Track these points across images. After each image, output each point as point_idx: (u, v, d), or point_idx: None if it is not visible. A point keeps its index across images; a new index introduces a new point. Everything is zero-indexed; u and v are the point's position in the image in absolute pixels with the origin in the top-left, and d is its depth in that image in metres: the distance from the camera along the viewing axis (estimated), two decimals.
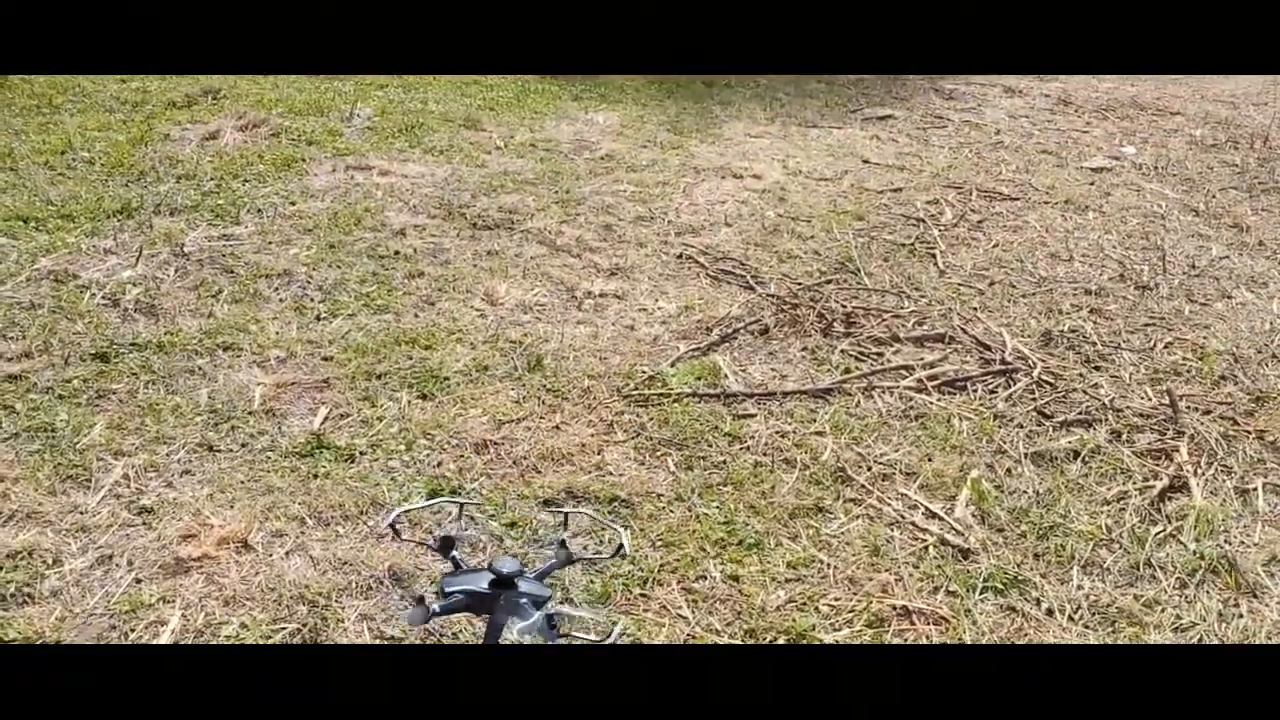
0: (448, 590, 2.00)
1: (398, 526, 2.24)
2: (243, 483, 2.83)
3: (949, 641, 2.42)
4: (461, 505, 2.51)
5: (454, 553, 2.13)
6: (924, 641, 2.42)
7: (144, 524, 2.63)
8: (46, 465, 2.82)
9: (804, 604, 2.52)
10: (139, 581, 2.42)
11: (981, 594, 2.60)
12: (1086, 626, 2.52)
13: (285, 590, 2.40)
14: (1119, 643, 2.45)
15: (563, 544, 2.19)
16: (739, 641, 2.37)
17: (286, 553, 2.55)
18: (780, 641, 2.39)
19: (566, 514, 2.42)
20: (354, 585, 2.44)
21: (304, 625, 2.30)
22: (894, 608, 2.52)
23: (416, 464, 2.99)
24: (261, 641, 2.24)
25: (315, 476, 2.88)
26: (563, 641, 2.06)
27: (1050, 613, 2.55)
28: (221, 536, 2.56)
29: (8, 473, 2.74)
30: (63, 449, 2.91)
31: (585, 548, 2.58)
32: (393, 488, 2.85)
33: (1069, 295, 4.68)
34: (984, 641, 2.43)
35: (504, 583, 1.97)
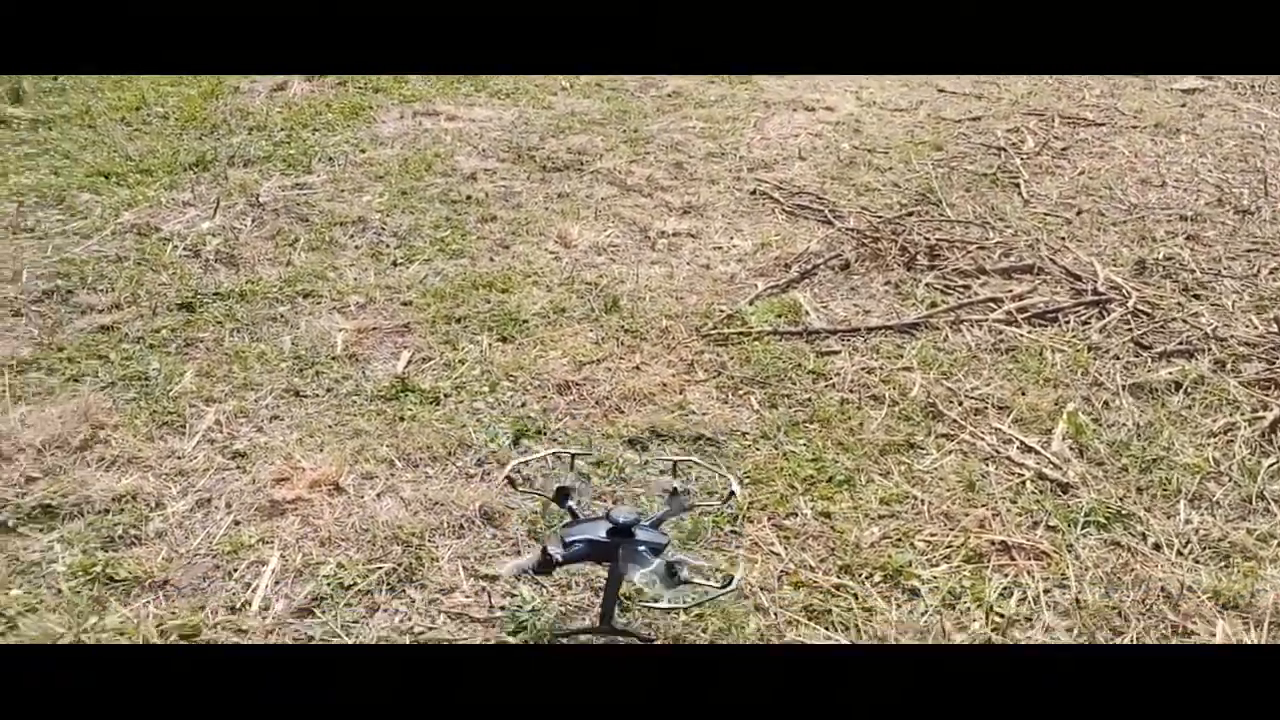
0: (568, 540, 2.02)
1: (513, 478, 2.28)
2: (331, 427, 2.85)
3: (1050, 578, 2.36)
4: (574, 456, 2.52)
5: (570, 503, 2.14)
6: (1026, 577, 2.35)
7: (238, 468, 2.67)
8: (143, 412, 2.88)
9: (899, 540, 2.47)
10: (238, 523, 2.46)
11: (1083, 529, 2.52)
12: (1197, 561, 2.43)
13: (379, 531, 2.42)
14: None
15: (675, 492, 2.19)
16: (835, 577, 2.33)
17: (378, 494, 2.57)
18: (877, 578, 2.34)
19: (676, 462, 2.39)
20: (446, 525, 2.45)
21: (399, 565, 2.31)
22: (992, 543, 2.46)
23: (501, 405, 2.98)
24: (360, 581, 2.26)
25: (402, 419, 2.89)
26: (684, 589, 2.08)
27: (1157, 547, 2.47)
28: (313, 479, 2.58)
29: (107, 420, 2.79)
30: (156, 396, 2.96)
31: (693, 493, 2.56)
32: (479, 429, 2.85)
33: (1163, 222, 4.49)
34: (1088, 577, 2.36)
35: (622, 531, 2.01)
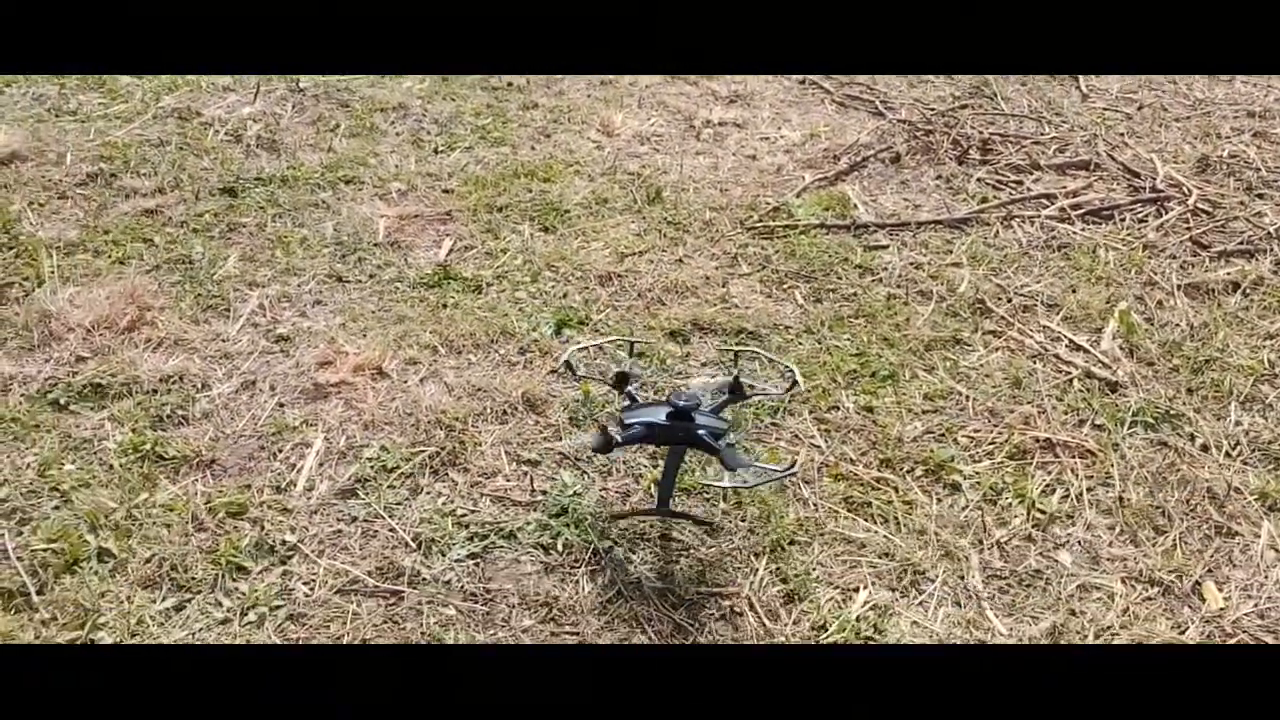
0: (627, 421, 2.03)
1: (572, 363, 2.28)
2: (374, 312, 2.86)
3: (1095, 476, 2.33)
4: (633, 345, 2.50)
5: (629, 387, 2.14)
6: (1070, 474, 2.33)
7: (282, 351, 2.69)
8: (188, 295, 2.89)
9: (942, 435, 2.45)
10: (282, 406, 2.49)
11: (1130, 428, 2.48)
12: (1245, 463, 2.39)
13: (422, 415, 2.43)
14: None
15: (736, 380, 2.17)
16: (876, 470, 2.32)
17: (421, 379, 2.58)
18: (918, 473, 2.33)
19: (738, 352, 2.38)
20: (489, 411, 2.46)
21: (442, 448, 2.33)
22: (1037, 440, 2.43)
23: (543, 295, 2.97)
24: (403, 464, 2.28)
25: (444, 306, 2.88)
26: (739, 479, 2.10)
27: (1205, 448, 2.43)
28: (357, 364, 2.60)
29: (153, 302, 2.82)
30: (201, 280, 2.97)
31: (751, 385, 2.50)
32: (521, 318, 2.84)
33: (1229, 118, 4.30)
34: (1133, 476, 2.33)
35: (682, 415, 2.00)
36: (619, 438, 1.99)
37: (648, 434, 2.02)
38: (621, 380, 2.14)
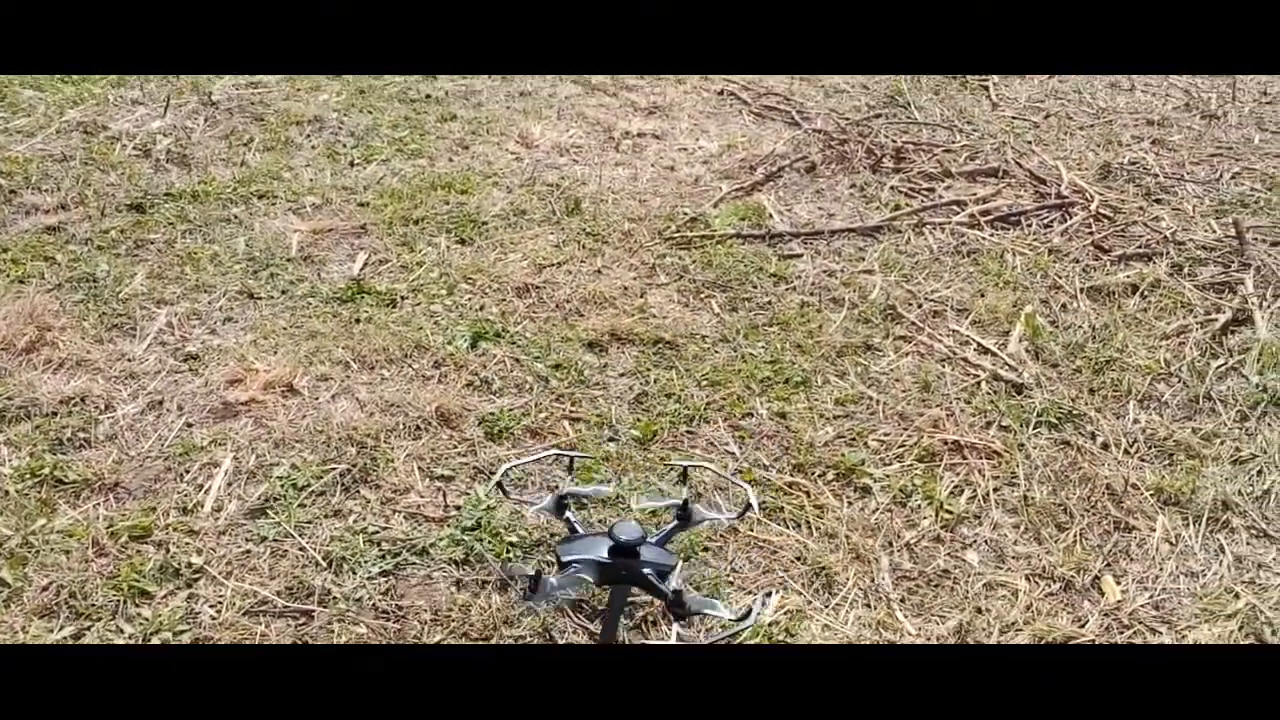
0: (564, 559, 1.83)
1: (504, 485, 2.10)
2: (285, 329, 2.82)
3: (1001, 476, 2.39)
4: (573, 460, 2.22)
5: (568, 514, 1.98)
6: (977, 475, 2.39)
7: (190, 370, 2.63)
8: (91, 314, 2.82)
9: (853, 439, 2.49)
10: (190, 425, 2.44)
11: (1035, 428, 2.55)
12: (1142, 460, 2.47)
13: (334, 432, 2.40)
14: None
15: (685, 505, 2.02)
16: (788, 475, 2.35)
17: (333, 396, 2.55)
18: (829, 477, 2.37)
19: (686, 468, 2.17)
20: (402, 426, 2.44)
21: (354, 465, 2.31)
22: (945, 442, 2.48)
23: (459, 308, 2.95)
24: (314, 482, 2.25)
25: (357, 321, 2.85)
26: (690, 626, 1.89)
27: (1105, 446, 2.50)
28: (267, 381, 2.56)
29: (54, 322, 2.74)
30: (106, 298, 2.90)
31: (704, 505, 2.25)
32: (436, 331, 2.82)
33: (1130, 126, 4.46)
34: (1037, 475, 2.39)
35: (625, 550, 1.81)
36: (554, 581, 1.81)
37: (586, 579, 1.82)
38: (559, 506, 1.99)
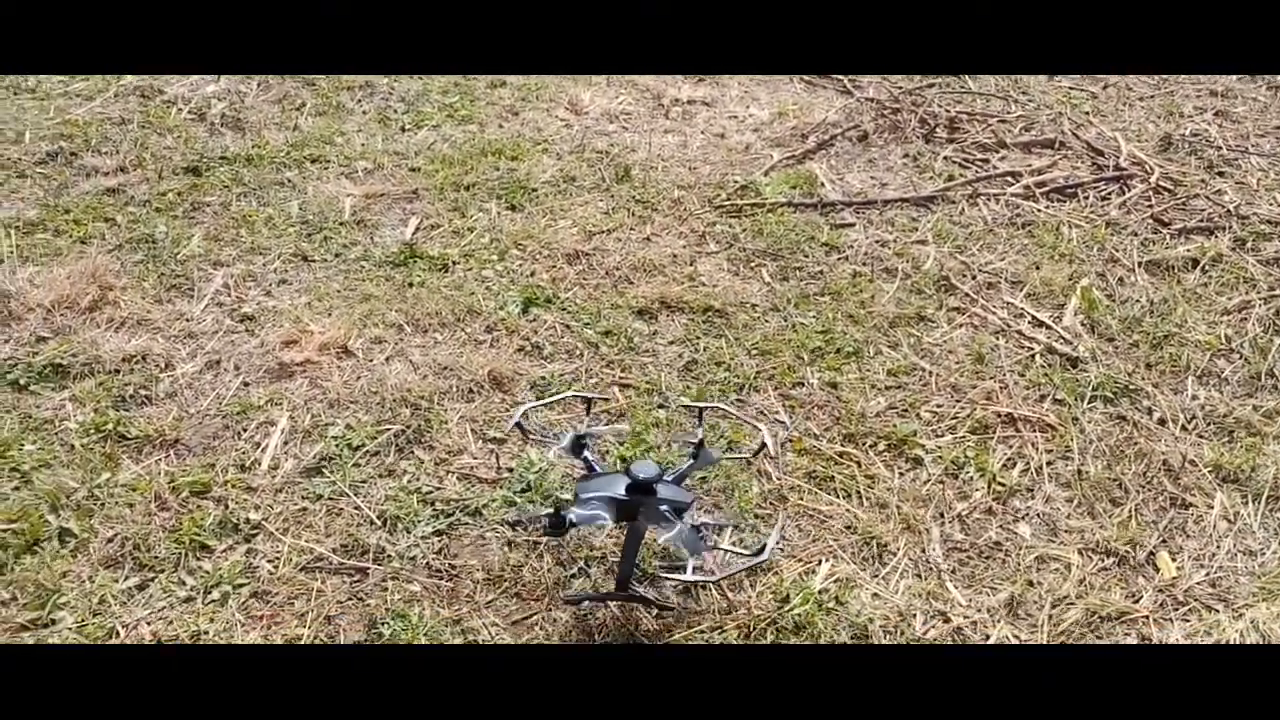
0: (583, 496, 1.86)
1: (524, 425, 2.10)
2: (339, 291, 2.84)
3: (1054, 450, 2.36)
4: (589, 401, 2.26)
5: (586, 454, 2.01)
6: (1030, 449, 2.36)
7: (247, 331, 2.67)
8: (151, 275, 2.87)
9: (904, 410, 2.47)
10: (246, 385, 2.48)
11: (1090, 402, 2.51)
12: (1200, 436, 2.43)
13: (388, 394, 2.43)
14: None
15: (701, 443, 2.05)
16: (839, 445, 2.35)
17: (386, 358, 2.58)
18: (881, 447, 2.36)
19: (702, 410, 2.19)
20: (455, 389, 2.46)
21: (408, 426, 2.33)
22: (999, 415, 2.46)
23: (510, 274, 2.96)
24: (368, 442, 2.28)
25: (410, 285, 2.88)
26: (705, 563, 1.92)
27: (1162, 422, 2.46)
28: (322, 342, 2.59)
29: (115, 282, 2.79)
30: (164, 259, 2.95)
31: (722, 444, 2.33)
32: (488, 296, 2.83)
33: (1192, 97, 4.35)
34: (1092, 449, 2.36)
35: (642, 488, 1.84)
36: (574, 517, 1.83)
37: (604, 514, 1.85)
38: (577, 446, 2.01)
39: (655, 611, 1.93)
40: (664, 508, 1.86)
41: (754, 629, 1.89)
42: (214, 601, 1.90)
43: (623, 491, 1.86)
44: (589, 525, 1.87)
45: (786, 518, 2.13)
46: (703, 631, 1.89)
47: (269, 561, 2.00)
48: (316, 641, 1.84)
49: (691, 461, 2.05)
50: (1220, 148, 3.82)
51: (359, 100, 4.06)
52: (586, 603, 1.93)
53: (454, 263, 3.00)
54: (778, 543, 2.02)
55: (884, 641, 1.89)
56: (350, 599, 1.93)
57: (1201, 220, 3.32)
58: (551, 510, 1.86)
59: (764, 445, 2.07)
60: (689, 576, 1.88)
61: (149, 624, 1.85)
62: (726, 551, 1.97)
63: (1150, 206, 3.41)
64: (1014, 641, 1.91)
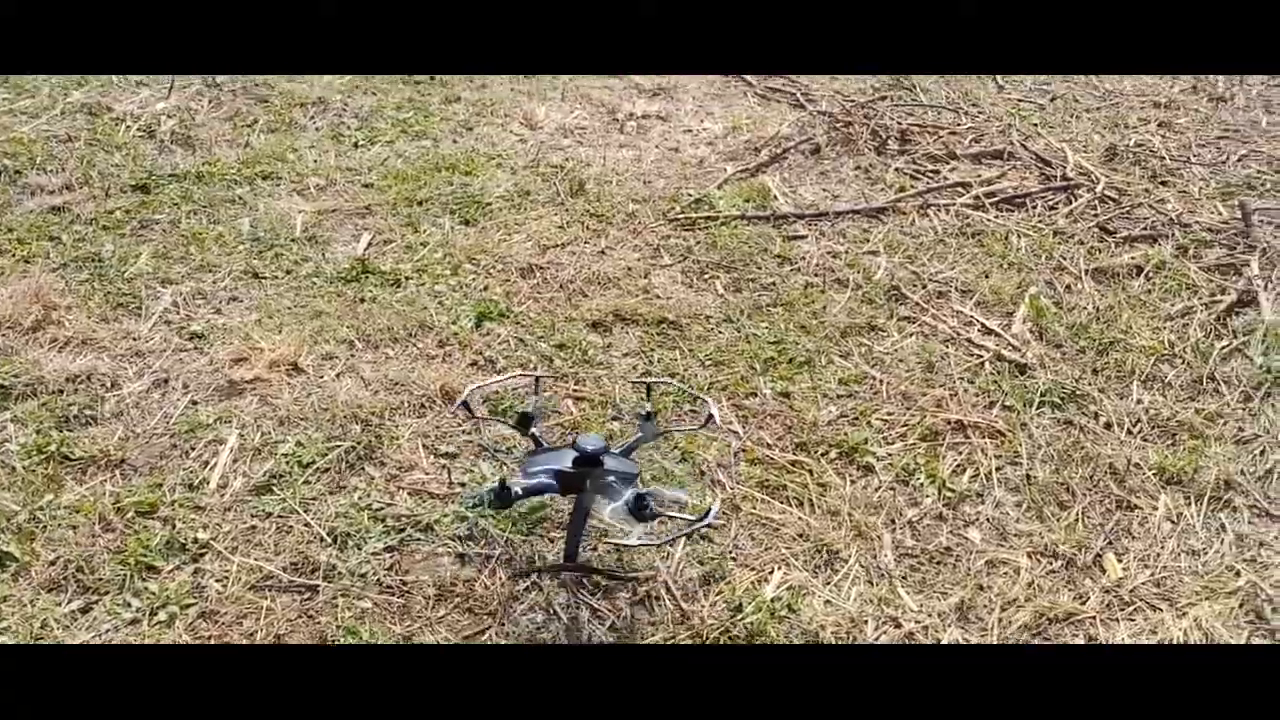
0: (530, 470, 1.89)
1: (470, 404, 2.11)
2: (290, 308, 2.82)
3: (1003, 455, 2.40)
4: (537, 379, 2.30)
5: (533, 430, 2.03)
6: (980, 454, 2.39)
7: (196, 349, 2.64)
8: (96, 294, 2.83)
9: (856, 419, 2.50)
10: (195, 403, 2.45)
11: (1038, 408, 2.55)
12: (1145, 439, 2.47)
13: (338, 410, 2.41)
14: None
15: (648, 416, 2.07)
16: (791, 454, 2.36)
17: (337, 374, 2.56)
18: (832, 455, 2.37)
19: (650, 385, 2.24)
20: (406, 404, 2.45)
21: (359, 443, 2.32)
22: (948, 422, 2.49)
23: (463, 288, 2.96)
24: (319, 459, 2.26)
25: (362, 301, 2.86)
26: (654, 523, 1.94)
27: (1109, 426, 2.51)
28: (272, 360, 2.57)
29: (60, 301, 2.75)
30: (111, 278, 2.91)
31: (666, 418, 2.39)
32: (440, 311, 2.82)
33: (1136, 109, 4.44)
34: (1040, 454, 2.40)
35: (589, 460, 1.87)
36: (518, 489, 1.85)
37: (553, 483, 1.89)
38: (524, 422, 2.02)
39: (599, 594, 1.95)
40: (610, 479, 1.88)
41: (707, 637, 1.89)
42: (160, 623, 1.87)
43: (569, 464, 1.88)
44: (535, 496, 1.90)
45: (722, 492, 2.15)
46: (656, 642, 1.89)
47: (217, 580, 1.97)
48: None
49: (639, 434, 2.06)
50: (1163, 158, 3.91)
51: (312, 117, 4.04)
52: (538, 574, 1.96)
53: (406, 278, 2.99)
54: (717, 515, 2.07)
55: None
56: (300, 617, 1.90)
57: (1145, 228, 3.39)
58: (497, 484, 1.86)
59: (710, 417, 2.10)
60: (633, 542, 1.93)
61: None
62: (671, 518, 1.99)
63: (1096, 215, 3.47)
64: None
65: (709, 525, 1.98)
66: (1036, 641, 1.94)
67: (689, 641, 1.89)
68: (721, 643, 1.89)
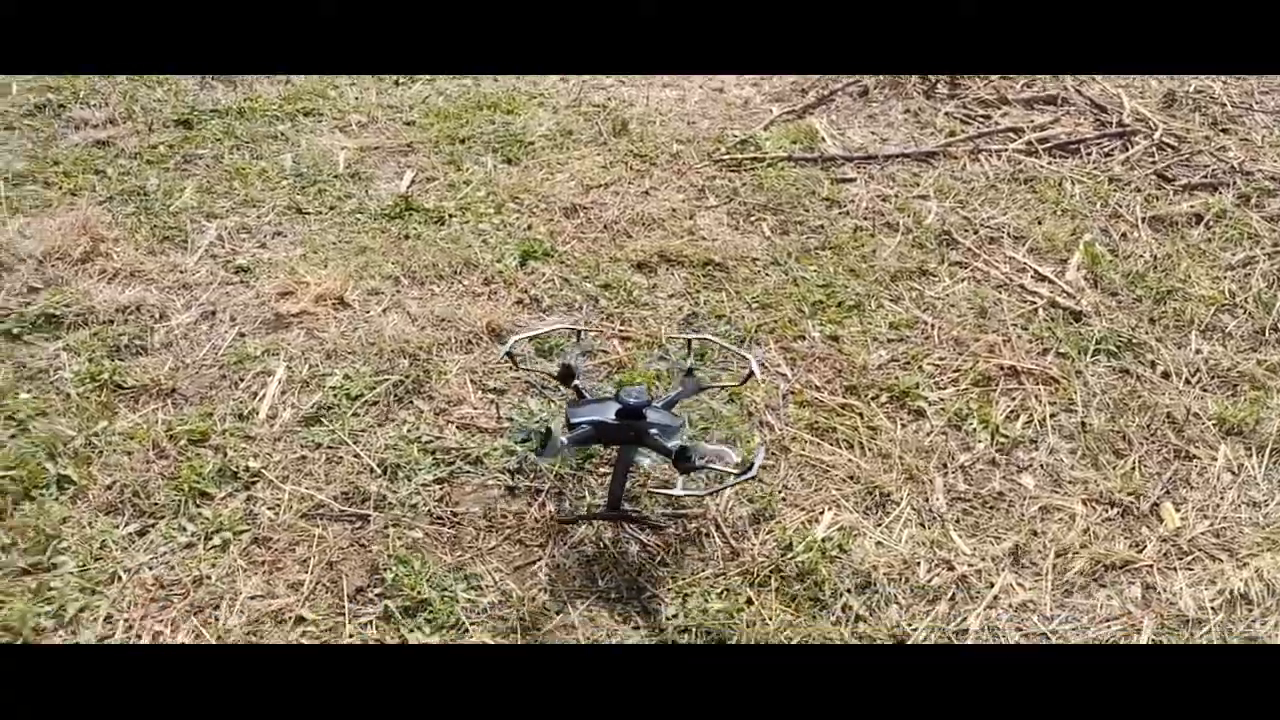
0: (574, 421, 1.89)
1: (515, 354, 2.13)
2: (334, 243, 2.81)
3: (1058, 402, 2.35)
4: (579, 332, 2.29)
5: (576, 382, 2.03)
6: (1033, 401, 2.35)
7: (242, 282, 2.64)
8: (143, 226, 2.83)
9: (907, 363, 2.46)
10: (243, 335, 2.45)
11: (1094, 356, 2.50)
12: (1204, 389, 2.42)
13: (385, 344, 2.40)
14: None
15: (690, 371, 2.07)
16: (841, 397, 2.33)
17: (383, 310, 2.55)
18: (883, 399, 2.34)
19: (691, 340, 2.20)
20: (454, 340, 2.44)
21: (406, 377, 2.31)
22: (1001, 368, 2.44)
23: (506, 227, 2.93)
24: (367, 392, 2.26)
25: (406, 238, 2.84)
26: (694, 482, 1.98)
27: (1166, 375, 2.45)
28: (318, 294, 2.56)
29: (107, 234, 2.75)
30: (156, 211, 2.91)
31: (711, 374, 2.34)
32: (485, 249, 2.80)
33: None
34: (1095, 402, 2.35)
35: (632, 414, 1.88)
36: (564, 439, 1.86)
37: (596, 434, 1.89)
38: (567, 374, 2.02)
39: (647, 531, 1.95)
40: (653, 431, 1.88)
41: (758, 575, 1.88)
42: (215, 547, 1.89)
43: (613, 416, 1.88)
44: (579, 447, 1.89)
45: (766, 442, 2.16)
46: (707, 578, 1.88)
47: (269, 509, 1.98)
48: (319, 586, 1.83)
49: (681, 389, 2.05)
50: (1224, 104, 3.79)
51: None
52: (582, 522, 1.97)
53: (450, 215, 2.96)
54: (762, 464, 2.06)
55: (888, 589, 1.88)
56: (351, 545, 1.91)
57: (1205, 176, 3.30)
58: (543, 432, 1.86)
59: (751, 373, 2.07)
60: (678, 492, 1.94)
61: (150, 569, 1.84)
62: (715, 471, 1.99)
63: (1154, 162, 3.38)
64: (1018, 591, 1.91)
65: (752, 478, 1.96)
66: (1091, 590, 1.92)
67: (739, 579, 1.88)
68: (772, 581, 1.88)
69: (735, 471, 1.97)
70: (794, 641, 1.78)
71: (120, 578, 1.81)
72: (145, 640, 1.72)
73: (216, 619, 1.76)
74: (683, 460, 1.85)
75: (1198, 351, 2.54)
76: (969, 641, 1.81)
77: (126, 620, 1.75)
